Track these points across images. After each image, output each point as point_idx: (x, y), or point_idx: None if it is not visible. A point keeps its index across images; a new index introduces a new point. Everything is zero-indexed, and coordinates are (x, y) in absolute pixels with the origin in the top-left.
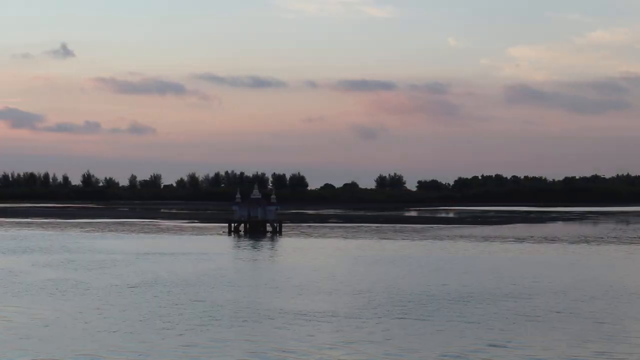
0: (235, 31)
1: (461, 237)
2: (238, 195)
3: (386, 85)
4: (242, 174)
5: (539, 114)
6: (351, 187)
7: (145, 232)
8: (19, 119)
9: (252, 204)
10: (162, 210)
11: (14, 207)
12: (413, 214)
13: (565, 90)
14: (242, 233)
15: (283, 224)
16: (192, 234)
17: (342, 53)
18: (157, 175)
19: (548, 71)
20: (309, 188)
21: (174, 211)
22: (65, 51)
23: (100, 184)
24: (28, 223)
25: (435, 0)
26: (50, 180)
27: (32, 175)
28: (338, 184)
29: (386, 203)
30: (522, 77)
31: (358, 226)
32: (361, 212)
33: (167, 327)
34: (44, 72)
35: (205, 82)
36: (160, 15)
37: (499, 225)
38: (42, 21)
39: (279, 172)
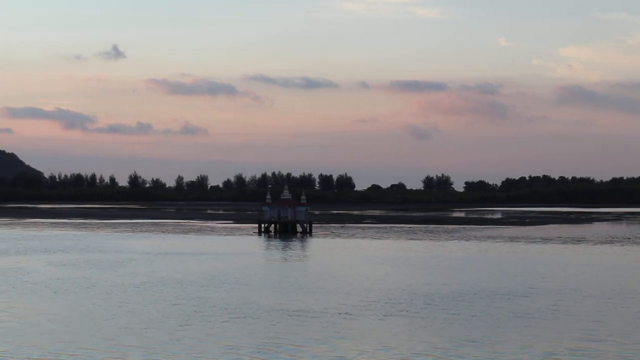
0: (286, 32)
1: (488, 237)
2: (268, 196)
3: (437, 86)
4: (289, 174)
5: (591, 115)
6: (398, 188)
7: (175, 233)
8: (71, 120)
9: (282, 204)
10: (207, 211)
11: (56, 208)
12: (455, 215)
13: (617, 91)
14: (272, 233)
15: (313, 224)
16: (222, 234)
17: (394, 54)
18: (203, 176)
19: (601, 72)
20: (355, 189)
21: (211, 212)
22: (116, 52)
23: (147, 185)
24: (64, 224)
25: (486, 1)
26: (97, 181)
27: (79, 176)
28: (385, 184)
29: (429, 204)
30: (574, 77)
31: (390, 227)
32: (400, 213)
33: (147, 323)
34: (96, 73)
35: (257, 83)
36: (212, 16)
37: (533, 226)
38: (93, 23)
39: (329, 173)
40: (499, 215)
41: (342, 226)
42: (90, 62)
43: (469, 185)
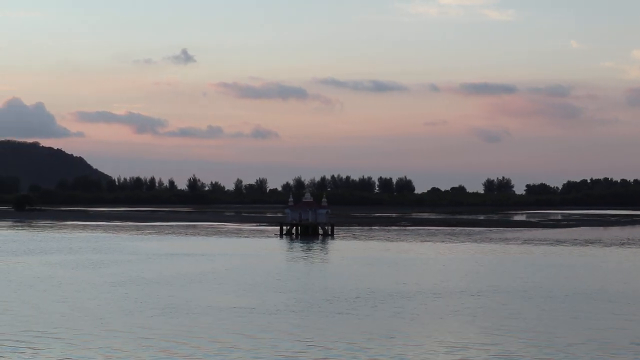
0: (356, 36)
1: (504, 239)
2: (291, 199)
3: (507, 89)
4: (348, 177)
5: None
6: (457, 192)
7: (197, 235)
8: (142, 124)
9: (303, 207)
10: (250, 214)
11: (105, 211)
12: (492, 218)
13: None
14: (294, 236)
15: (335, 227)
16: (245, 236)
17: (464, 56)
18: (262, 179)
19: None
20: (415, 192)
21: (250, 214)
22: (186, 57)
23: (206, 189)
24: (97, 226)
25: (557, 3)
26: (157, 184)
27: (138, 179)
28: (448, 187)
29: (481, 206)
30: None
31: (417, 229)
32: (442, 216)
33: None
34: (165, 77)
35: (327, 87)
36: (281, 20)
37: (562, 229)
38: (163, 27)
39: (393, 176)
40: (534, 218)
41: (370, 229)
42: (160, 66)
43: (529, 188)
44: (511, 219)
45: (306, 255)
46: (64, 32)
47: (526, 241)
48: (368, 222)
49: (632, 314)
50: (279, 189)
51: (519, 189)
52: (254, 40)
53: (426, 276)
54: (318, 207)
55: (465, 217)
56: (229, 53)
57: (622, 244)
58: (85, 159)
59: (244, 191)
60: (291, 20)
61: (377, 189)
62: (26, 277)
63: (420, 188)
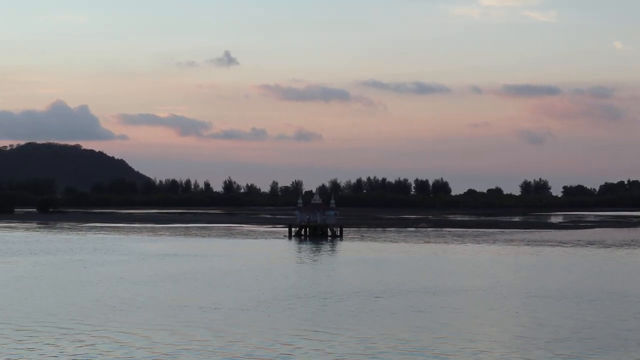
0: (399, 37)
1: (509, 241)
2: (300, 201)
3: (550, 90)
4: (384, 179)
5: None
6: (493, 193)
7: (208, 236)
8: (186, 126)
9: (312, 209)
10: (277, 216)
11: (133, 213)
12: (515, 219)
13: None
14: (303, 237)
15: (347, 228)
16: (253, 237)
17: (507, 58)
18: (298, 181)
19: None
20: (452, 194)
21: (275, 217)
22: (228, 59)
23: (242, 191)
24: (113, 227)
25: (599, 3)
26: (192, 186)
27: (173, 181)
28: (486, 189)
29: (512, 208)
30: None
31: (434, 231)
32: (469, 218)
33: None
34: (208, 79)
35: (369, 89)
36: (324, 22)
37: (577, 230)
38: (205, 30)
39: (431, 177)
40: (554, 220)
41: (383, 230)
42: (203, 69)
43: (566, 190)
44: (528, 220)
45: (300, 255)
46: (108, 36)
47: (527, 242)
48: (389, 224)
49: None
50: (314, 191)
51: (557, 191)
52: (297, 42)
53: (399, 275)
54: (327, 209)
55: (489, 218)
56: (271, 55)
57: (621, 245)
58: (126, 161)
59: (280, 193)
60: (333, 22)
61: (413, 190)
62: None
63: (458, 189)
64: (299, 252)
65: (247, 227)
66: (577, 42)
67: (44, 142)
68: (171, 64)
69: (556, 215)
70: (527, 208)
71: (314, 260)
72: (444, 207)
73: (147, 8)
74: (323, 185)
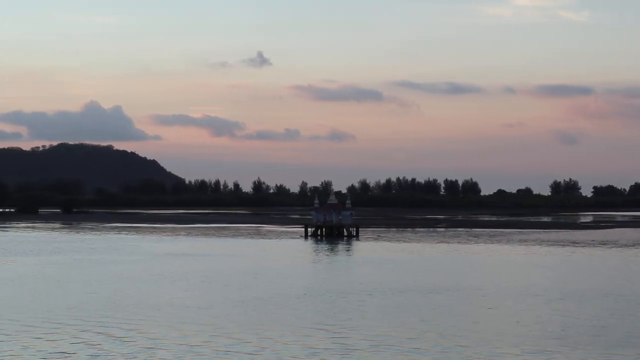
0: (431, 38)
1: (523, 241)
2: (316, 201)
3: (584, 90)
4: (413, 180)
5: None
6: (522, 193)
7: (225, 236)
8: (219, 127)
9: (328, 209)
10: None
11: (160, 213)
12: (543, 219)
13: None
14: (319, 237)
15: (364, 228)
16: (270, 237)
17: (539, 58)
18: (327, 181)
19: None
20: (481, 194)
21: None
22: (261, 59)
23: (271, 191)
24: (133, 227)
25: (633, 3)
26: (221, 187)
27: (202, 182)
28: (514, 188)
29: (542, 208)
30: None
31: (452, 231)
32: (494, 218)
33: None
34: (241, 80)
35: (402, 89)
36: (357, 22)
37: (595, 230)
38: (238, 30)
39: (461, 178)
40: (580, 220)
41: (401, 230)
42: (236, 69)
43: (596, 190)
44: (546, 220)
45: (307, 254)
46: (141, 36)
47: (539, 242)
48: (409, 224)
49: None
50: (344, 191)
51: (587, 191)
52: (329, 43)
53: (394, 274)
54: (342, 209)
55: (511, 219)
56: (304, 55)
57: (633, 245)
58: (158, 161)
59: (309, 194)
60: (366, 22)
61: (442, 191)
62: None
63: (489, 190)
64: (311, 251)
65: (267, 228)
66: (610, 42)
67: (77, 142)
68: (204, 65)
69: (584, 215)
70: (556, 208)
71: (316, 261)
72: (472, 207)
73: (180, 8)
74: (352, 185)
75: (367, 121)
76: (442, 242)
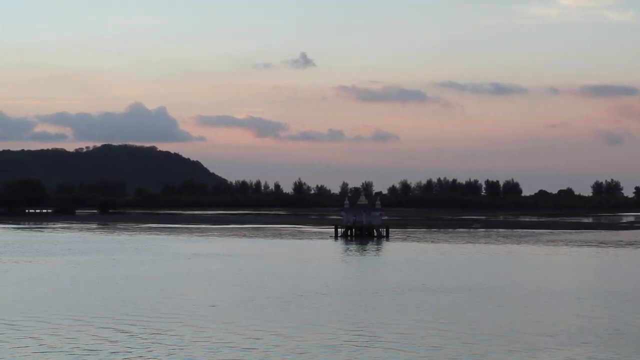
0: (475, 38)
1: (551, 241)
2: (346, 202)
3: (628, 90)
4: (454, 180)
5: None
6: (564, 194)
7: (255, 237)
8: (263, 128)
9: (358, 210)
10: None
11: (197, 214)
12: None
13: None
14: (349, 237)
15: (394, 229)
16: (299, 238)
17: (584, 58)
18: (368, 182)
19: None
20: (523, 194)
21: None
22: (305, 60)
23: (312, 192)
24: (164, 228)
25: None
26: (262, 188)
27: (243, 183)
28: (557, 189)
29: (581, 209)
30: None
31: (484, 231)
32: (528, 219)
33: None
34: (285, 81)
35: (446, 90)
36: (400, 22)
37: (628, 231)
38: (281, 31)
39: (502, 179)
40: (619, 220)
41: (431, 231)
42: (279, 70)
43: (638, 191)
44: (581, 221)
45: (332, 254)
46: (186, 38)
47: (566, 243)
48: (443, 225)
49: None
50: (385, 192)
51: (629, 191)
52: (373, 43)
53: (406, 274)
54: (372, 210)
55: (548, 219)
56: (347, 56)
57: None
58: (202, 162)
59: (349, 194)
60: (410, 22)
61: (483, 191)
62: (29, 274)
63: (530, 190)
64: (336, 251)
65: (300, 228)
66: None
67: (120, 143)
68: (248, 66)
69: (625, 216)
70: (596, 209)
71: (338, 261)
72: (512, 208)
73: (224, 9)
74: (393, 186)
75: (410, 122)
76: (469, 242)
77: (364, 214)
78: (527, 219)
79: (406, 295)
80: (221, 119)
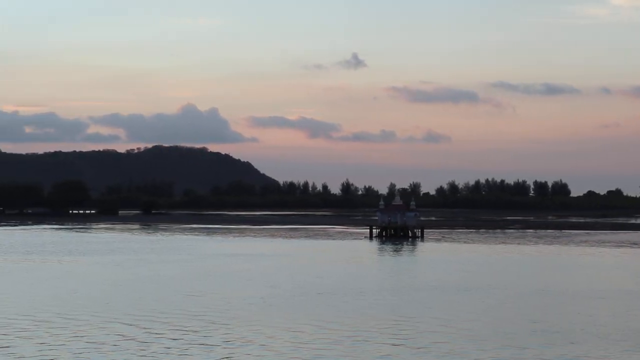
0: (527, 38)
1: (583, 242)
2: (381, 203)
3: None
4: (502, 181)
5: None
6: (613, 195)
7: (290, 237)
8: (315, 129)
9: (392, 210)
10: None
11: (241, 214)
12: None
13: None
14: (383, 238)
15: (429, 229)
16: (335, 238)
17: (636, 58)
18: (416, 183)
19: None
20: (571, 195)
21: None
22: (356, 61)
23: (359, 193)
24: (205, 229)
25: None
26: (310, 188)
27: (291, 184)
28: (604, 190)
29: (628, 209)
30: None
31: (522, 232)
32: (574, 220)
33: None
34: (336, 82)
35: (498, 90)
36: (451, 23)
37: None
38: (333, 32)
39: (551, 179)
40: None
41: (467, 231)
42: (331, 71)
43: None
44: (627, 222)
45: (359, 255)
46: (238, 39)
47: (598, 243)
48: (483, 225)
49: None
50: (432, 192)
51: None
52: (424, 44)
53: (428, 273)
54: (407, 210)
55: (591, 220)
56: (399, 57)
57: None
58: (252, 164)
59: (397, 195)
60: (461, 23)
61: (532, 192)
62: (59, 273)
63: (580, 191)
64: (366, 252)
65: (338, 229)
66: None
67: (171, 144)
68: (300, 67)
69: None
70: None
71: (372, 261)
72: (560, 209)
73: (275, 11)
74: (441, 187)
75: (462, 122)
76: (502, 242)
77: (398, 215)
78: (574, 220)
79: (431, 293)
80: (273, 120)
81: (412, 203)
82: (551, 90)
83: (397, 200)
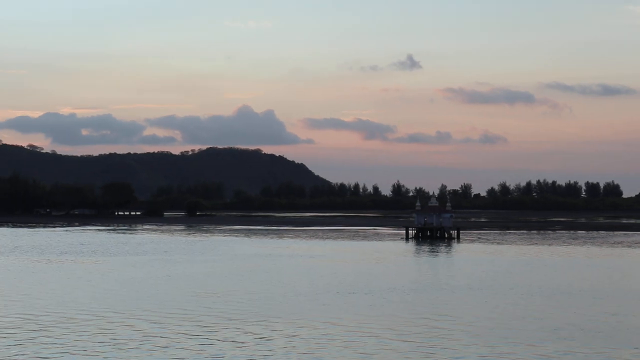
0: (584, 39)
1: (617, 243)
2: (418, 204)
3: None
4: (554, 182)
5: None
6: None
7: (327, 238)
8: (372, 130)
9: (429, 212)
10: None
11: (286, 216)
12: None
13: None
14: (420, 239)
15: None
16: (373, 239)
17: None
18: (467, 184)
19: None
20: (624, 196)
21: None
22: (411, 62)
23: (410, 194)
24: (245, 230)
25: None
26: (360, 190)
27: (342, 185)
28: None
29: None
30: None
31: (559, 233)
32: (627, 221)
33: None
34: (392, 83)
35: (554, 91)
36: (506, 25)
37: None
38: (388, 34)
39: (602, 180)
40: None
41: (504, 232)
42: (386, 73)
43: None
44: None
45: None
46: (293, 41)
47: (633, 244)
48: (524, 226)
49: None
50: (483, 194)
51: None
52: (480, 45)
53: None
54: (443, 212)
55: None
56: (454, 58)
57: None
58: (307, 165)
59: (448, 196)
60: (517, 24)
61: (583, 193)
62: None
63: (632, 192)
64: (399, 253)
65: (378, 230)
66: None
67: (226, 146)
68: (355, 69)
69: None
70: None
71: (387, 263)
72: (610, 210)
73: (331, 13)
74: (492, 188)
75: (518, 123)
76: (535, 244)
77: (434, 216)
78: (625, 221)
79: (460, 292)
80: (329, 122)
81: (448, 205)
82: (607, 90)
83: (434, 202)
